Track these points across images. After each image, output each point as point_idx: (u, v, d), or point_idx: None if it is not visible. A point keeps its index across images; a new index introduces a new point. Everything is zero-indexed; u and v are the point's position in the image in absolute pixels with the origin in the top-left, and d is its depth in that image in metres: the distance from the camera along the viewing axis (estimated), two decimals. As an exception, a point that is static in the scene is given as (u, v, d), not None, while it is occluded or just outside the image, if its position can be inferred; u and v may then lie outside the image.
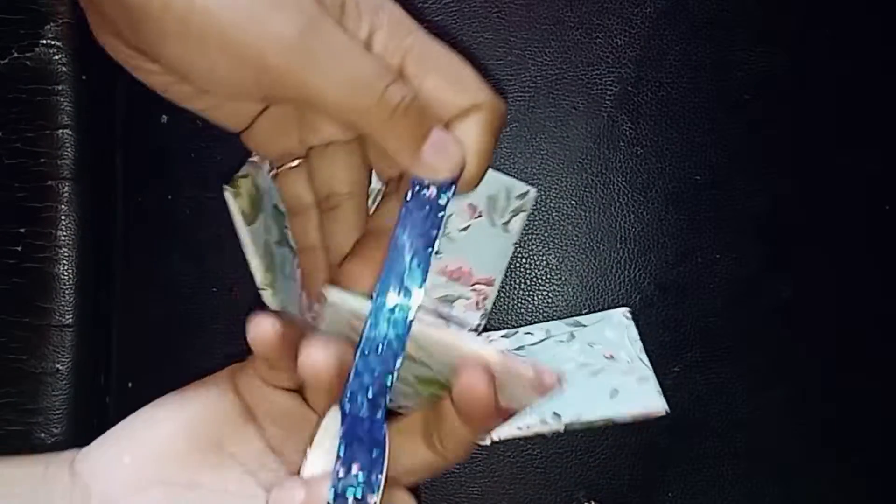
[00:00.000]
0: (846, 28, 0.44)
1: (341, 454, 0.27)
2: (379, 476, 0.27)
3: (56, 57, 0.41)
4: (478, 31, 0.44)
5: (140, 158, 0.44)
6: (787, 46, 0.43)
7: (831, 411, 0.45)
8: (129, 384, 0.44)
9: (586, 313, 0.42)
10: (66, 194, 0.41)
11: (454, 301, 0.43)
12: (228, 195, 0.34)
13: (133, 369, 0.44)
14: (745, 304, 0.44)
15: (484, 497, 0.45)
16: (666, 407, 0.37)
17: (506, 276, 0.42)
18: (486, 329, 0.44)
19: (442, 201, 0.27)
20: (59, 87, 0.41)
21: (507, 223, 0.41)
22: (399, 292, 0.27)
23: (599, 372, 0.39)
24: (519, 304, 0.44)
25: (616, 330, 0.41)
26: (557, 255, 0.44)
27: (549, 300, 0.43)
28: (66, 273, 0.41)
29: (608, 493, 0.45)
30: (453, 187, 0.27)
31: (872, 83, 0.44)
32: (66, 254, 0.41)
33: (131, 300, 0.45)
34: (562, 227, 0.44)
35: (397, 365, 0.26)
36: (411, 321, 0.27)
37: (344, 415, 0.27)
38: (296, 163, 0.31)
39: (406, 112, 0.25)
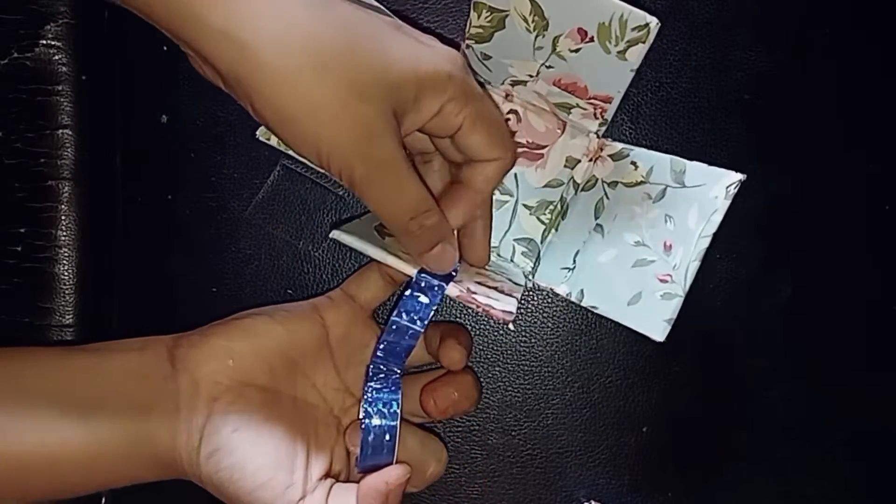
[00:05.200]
0: (846, 28, 0.44)
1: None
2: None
3: (56, 57, 0.41)
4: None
5: (140, 158, 0.44)
6: (787, 46, 0.43)
7: (831, 411, 0.45)
8: (129, 384, 0.44)
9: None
10: (66, 194, 0.41)
11: (571, 109, 0.41)
12: (262, 138, 0.35)
13: (133, 369, 0.44)
14: (745, 304, 0.44)
15: (484, 497, 0.45)
16: (662, 339, 0.34)
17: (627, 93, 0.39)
18: (605, 135, 0.42)
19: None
20: (59, 87, 0.41)
21: (622, 52, 0.37)
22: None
23: (645, 265, 0.37)
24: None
25: (705, 209, 0.36)
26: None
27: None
28: (66, 273, 0.42)
29: (608, 493, 0.45)
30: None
31: (872, 83, 0.44)
32: (66, 254, 0.41)
33: (131, 300, 0.45)
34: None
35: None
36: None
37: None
38: None
39: (420, 237, 0.34)
